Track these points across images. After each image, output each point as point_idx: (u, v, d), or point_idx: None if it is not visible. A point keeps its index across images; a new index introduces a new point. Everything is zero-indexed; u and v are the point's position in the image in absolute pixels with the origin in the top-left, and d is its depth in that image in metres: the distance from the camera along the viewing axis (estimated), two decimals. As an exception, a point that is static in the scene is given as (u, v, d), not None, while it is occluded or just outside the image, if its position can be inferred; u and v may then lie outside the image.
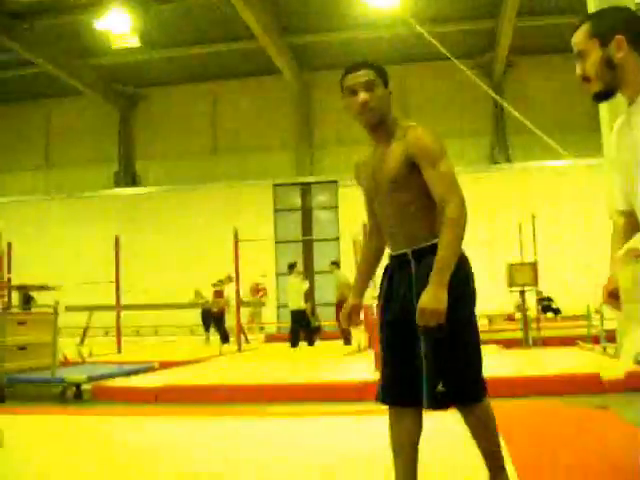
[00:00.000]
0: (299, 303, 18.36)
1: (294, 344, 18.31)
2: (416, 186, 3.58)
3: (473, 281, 3.65)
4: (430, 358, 3.51)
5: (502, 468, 3.67)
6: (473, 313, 3.64)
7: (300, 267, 20.15)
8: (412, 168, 3.57)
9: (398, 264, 3.72)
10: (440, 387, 3.46)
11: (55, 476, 4.81)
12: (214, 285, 22.84)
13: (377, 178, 3.74)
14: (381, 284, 3.88)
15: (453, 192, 3.49)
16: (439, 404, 3.51)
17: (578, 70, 2.97)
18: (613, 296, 3.11)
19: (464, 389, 3.53)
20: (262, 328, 28.41)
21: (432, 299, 3.35)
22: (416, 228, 3.62)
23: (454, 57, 14.47)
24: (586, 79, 2.96)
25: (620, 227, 3.22)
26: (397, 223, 3.70)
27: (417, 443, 3.71)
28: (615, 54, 2.86)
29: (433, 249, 3.48)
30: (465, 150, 28.55)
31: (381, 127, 3.74)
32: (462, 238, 3.48)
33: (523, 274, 15.57)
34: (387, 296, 3.78)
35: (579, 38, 2.96)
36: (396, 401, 3.71)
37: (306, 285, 19.52)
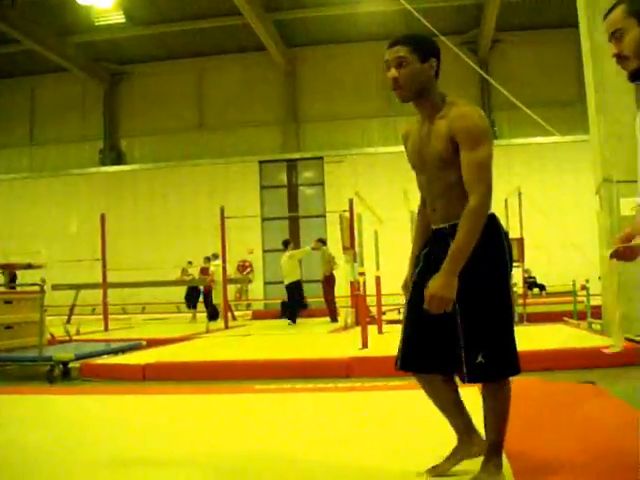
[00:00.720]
0: (293, 276, 18.40)
1: (293, 320, 18.34)
2: (459, 164, 3.57)
3: (509, 253, 3.65)
4: (468, 330, 3.54)
5: (499, 451, 3.65)
6: (508, 285, 3.64)
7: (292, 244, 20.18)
8: (457, 147, 3.56)
9: (437, 238, 3.74)
10: (480, 358, 3.49)
11: (43, 455, 4.81)
12: (188, 263, 22.97)
13: (423, 155, 3.73)
14: (419, 255, 3.90)
15: (481, 181, 3.50)
16: (479, 377, 3.55)
17: (614, 49, 2.98)
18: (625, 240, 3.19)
19: (503, 361, 3.55)
20: (249, 305, 28.43)
21: (443, 286, 3.38)
22: (458, 205, 3.57)
23: (440, 33, 14.42)
24: (623, 58, 2.98)
25: None
26: (441, 200, 3.69)
27: (457, 398, 3.82)
28: None
29: None
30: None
31: (421, 103, 3.74)
32: (480, 228, 3.46)
33: (509, 250, 15.60)
34: (423, 268, 3.79)
35: (615, 18, 2.97)
36: (418, 369, 3.78)
37: (308, 248, 19.66)
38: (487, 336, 3.52)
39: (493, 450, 3.63)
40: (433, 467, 3.83)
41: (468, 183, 3.49)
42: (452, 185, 3.61)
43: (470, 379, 3.55)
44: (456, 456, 3.82)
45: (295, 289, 18.39)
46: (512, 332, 3.61)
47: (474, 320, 3.53)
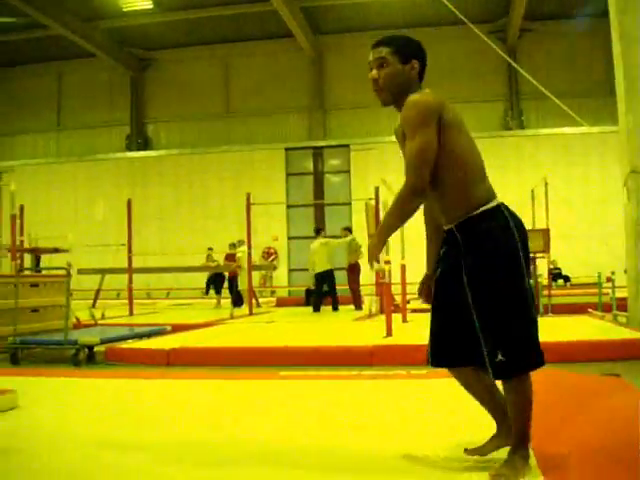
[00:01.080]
0: (325, 265, 18.15)
1: (317, 308, 18.25)
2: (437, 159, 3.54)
3: (522, 243, 3.58)
4: (485, 329, 3.53)
5: (525, 443, 3.62)
6: (523, 278, 3.55)
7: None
8: None
9: (449, 238, 3.72)
10: (500, 357, 3.47)
11: (68, 437, 4.85)
12: (209, 249, 22.96)
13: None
14: (439, 254, 3.90)
15: (411, 172, 3.50)
16: (502, 374, 3.53)
17: None
18: None
19: (524, 356, 3.50)
20: (273, 292, 28.48)
21: (368, 248, 3.70)
22: (454, 203, 3.59)
23: (468, 21, 14.36)
24: None
25: None
26: (435, 200, 3.70)
27: (491, 388, 3.80)
28: None
29: (476, 219, 3.54)
30: (478, 116, 28.43)
31: (400, 105, 3.69)
32: (404, 215, 3.59)
33: (535, 241, 15.45)
34: (444, 268, 3.79)
35: None
36: (448, 364, 3.81)
37: (347, 239, 19.13)
38: (504, 334, 3.49)
39: (519, 442, 3.60)
40: (472, 449, 3.87)
41: (405, 171, 3.52)
42: (437, 184, 3.60)
43: (495, 377, 3.57)
44: (493, 443, 3.83)
45: (326, 277, 18.21)
46: (531, 325, 3.56)
47: (490, 318, 3.52)
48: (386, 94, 3.72)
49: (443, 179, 3.57)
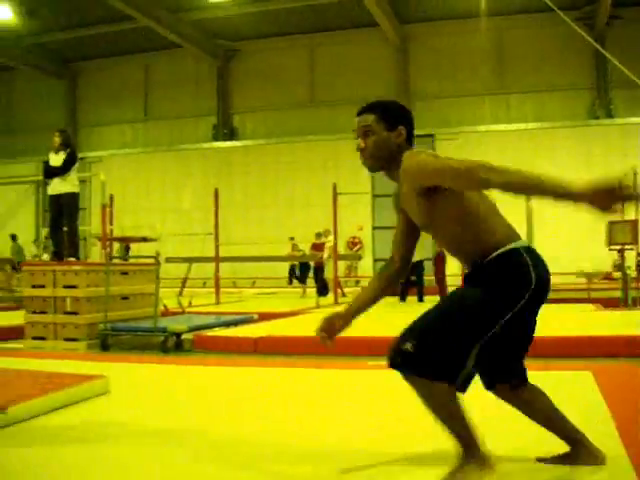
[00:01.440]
0: (417, 254, 17.95)
1: (403, 298, 18.17)
2: (447, 213, 3.42)
3: (520, 287, 3.31)
4: (420, 316, 3.54)
5: (467, 450, 3.47)
6: (494, 310, 3.33)
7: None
8: (428, 197, 3.41)
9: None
10: (408, 347, 3.35)
11: (158, 422, 4.95)
12: (290, 239, 23.03)
13: (413, 218, 3.70)
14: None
15: (461, 168, 3.17)
16: (400, 364, 3.41)
17: None
18: None
19: (434, 361, 3.35)
20: (358, 281, 28.49)
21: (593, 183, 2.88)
22: (472, 249, 3.45)
23: (556, 8, 14.17)
24: None
25: None
26: (454, 249, 3.60)
27: (544, 404, 3.65)
28: None
29: (494, 262, 3.36)
30: (564, 104, 28.07)
31: (391, 170, 3.67)
32: (516, 178, 3.02)
33: (623, 233, 15.29)
34: None
35: None
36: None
37: None
38: (431, 331, 3.41)
39: (462, 448, 3.49)
40: (542, 457, 3.72)
41: (460, 184, 3.30)
42: (452, 234, 3.51)
43: (390, 362, 3.45)
44: (563, 460, 3.63)
45: (417, 267, 18.10)
46: (463, 347, 3.37)
47: (431, 311, 3.53)
48: (372, 162, 3.68)
49: (452, 231, 3.48)
